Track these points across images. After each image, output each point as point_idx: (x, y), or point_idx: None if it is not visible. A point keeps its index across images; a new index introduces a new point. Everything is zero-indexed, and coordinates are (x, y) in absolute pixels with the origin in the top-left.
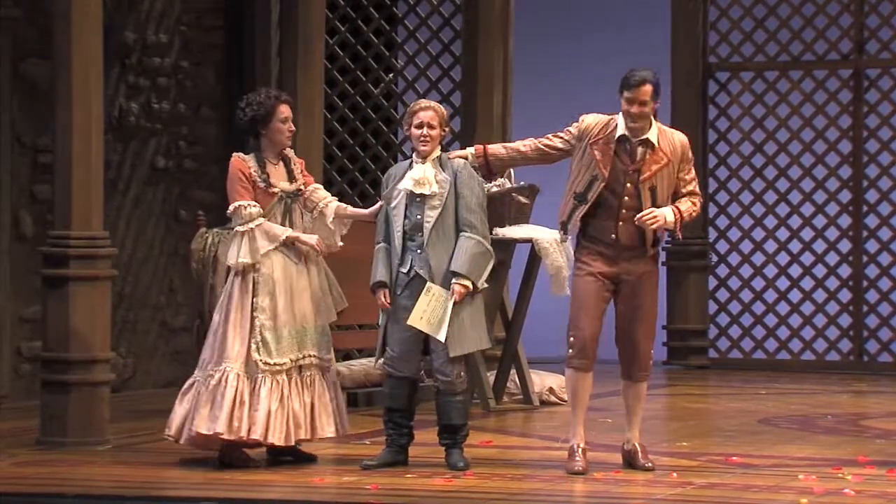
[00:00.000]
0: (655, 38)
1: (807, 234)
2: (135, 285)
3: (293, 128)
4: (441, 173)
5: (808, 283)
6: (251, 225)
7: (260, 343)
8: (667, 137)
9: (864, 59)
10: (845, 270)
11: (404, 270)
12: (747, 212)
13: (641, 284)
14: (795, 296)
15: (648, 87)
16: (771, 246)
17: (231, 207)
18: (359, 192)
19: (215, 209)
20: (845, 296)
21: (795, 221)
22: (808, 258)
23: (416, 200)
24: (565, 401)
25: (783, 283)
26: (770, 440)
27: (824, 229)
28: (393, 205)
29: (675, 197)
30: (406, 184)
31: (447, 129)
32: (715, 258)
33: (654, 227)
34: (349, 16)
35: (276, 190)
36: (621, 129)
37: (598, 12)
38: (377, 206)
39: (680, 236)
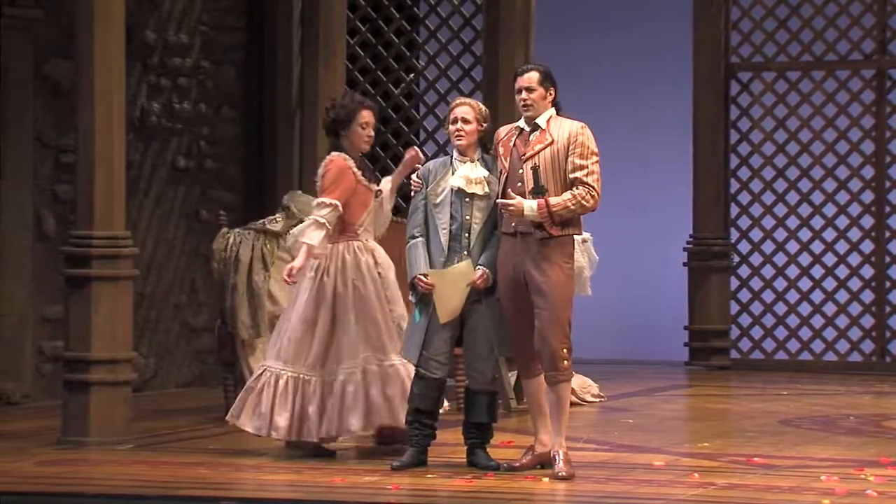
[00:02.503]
0: (677, 38)
1: (829, 234)
2: (156, 285)
3: (372, 134)
4: (488, 173)
5: (830, 284)
6: (321, 220)
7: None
8: (559, 123)
9: (886, 59)
10: (868, 271)
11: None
12: (769, 212)
13: (542, 274)
14: (818, 296)
15: (533, 74)
16: (793, 246)
17: (316, 201)
18: None
19: (236, 209)
20: (868, 296)
21: (818, 222)
22: (830, 259)
23: (464, 200)
24: (587, 401)
25: (805, 284)
26: (792, 441)
27: (847, 230)
28: (437, 201)
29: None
30: (458, 182)
31: (486, 125)
32: (737, 258)
33: (507, 213)
34: (370, 16)
35: (377, 188)
36: (520, 123)
37: (619, 11)
38: (407, 156)
39: (553, 232)
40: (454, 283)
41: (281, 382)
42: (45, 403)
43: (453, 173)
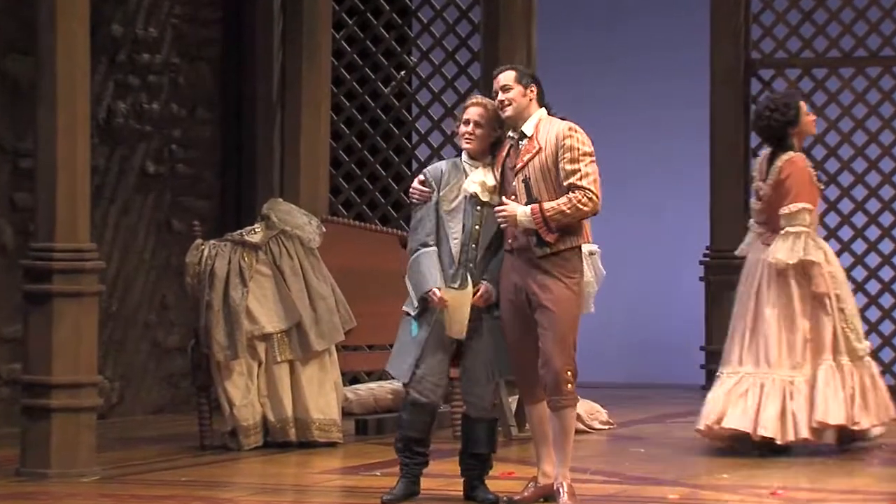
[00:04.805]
0: (693, 32)
1: (859, 247)
2: (123, 302)
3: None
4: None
5: (860, 301)
6: (803, 229)
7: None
8: (545, 127)
9: None
10: None
11: (454, 286)
12: None
13: (545, 290)
14: None
15: (509, 73)
16: None
17: (795, 207)
18: (368, 200)
19: (211, 218)
20: None
21: (846, 233)
22: (859, 273)
23: (475, 209)
24: (595, 428)
25: None
26: (818, 471)
27: (878, 241)
28: (450, 208)
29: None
30: (474, 188)
31: (500, 129)
32: None
33: (501, 223)
34: (357, 8)
35: (822, 187)
36: (510, 132)
37: (630, 2)
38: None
39: (550, 239)
40: (463, 304)
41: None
42: (3, 431)
43: (466, 177)
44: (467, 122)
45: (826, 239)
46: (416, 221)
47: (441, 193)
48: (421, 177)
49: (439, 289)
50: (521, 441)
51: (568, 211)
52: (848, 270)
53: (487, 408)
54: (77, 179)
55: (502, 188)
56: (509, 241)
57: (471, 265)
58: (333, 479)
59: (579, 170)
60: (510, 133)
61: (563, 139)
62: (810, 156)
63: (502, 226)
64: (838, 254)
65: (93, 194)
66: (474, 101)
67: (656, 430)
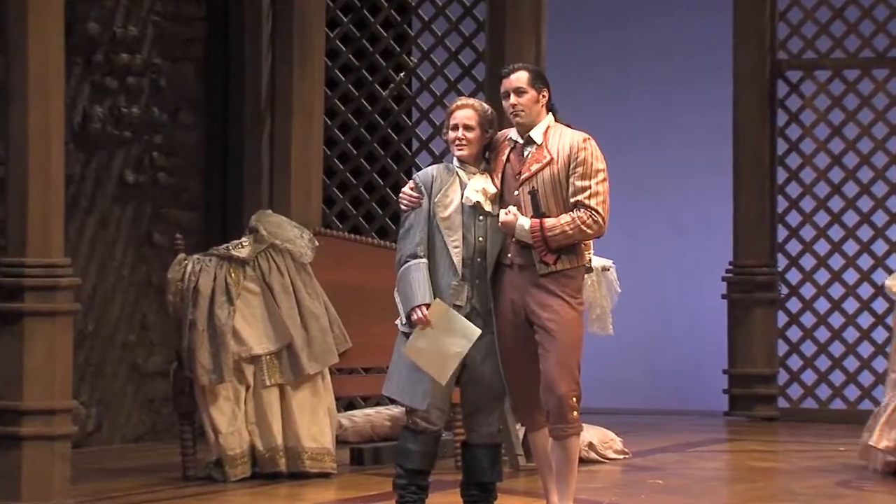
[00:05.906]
0: (715, 31)
1: (893, 262)
2: (100, 322)
3: None
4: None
5: None
6: None
7: None
8: (557, 136)
9: None
10: None
11: (459, 303)
12: (823, 235)
13: (547, 310)
14: (880, 335)
15: (522, 74)
16: (851, 276)
17: None
18: (364, 211)
19: (196, 231)
20: None
21: (880, 247)
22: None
23: (478, 219)
24: (609, 458)
25: (865, 320)
26: None
27: None
28: (446, 215)
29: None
30: (475, 196)
31: (491, 130)
32: (785, 290)
33: (503, 227)
34: (353, 4)
35: None
36: (513, 135)
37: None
38: None
39: (548, 259)
40: (449, 333)
41: None
42: None
43: (461, 183)
44: (456, 128)
45: (859, 253)
46: (405, 230)
47: (435, 199)
48: (411, 182)
49: (427, 305)
50: (528, 472)
51: (570, 232)
52: (882, 287)
53: (492, 433)
54: (50, 188)
55: (502, 196)
56: (508, 255)
57: (477, 281)
58: None
59: (589, 187)
60: (512, 136)
61: (577, 152)
62: (841, 164)
63: (503, 228)
64: (870, 270)
65: (67, 205)
66: (460, 103)
67: (676, 459)
